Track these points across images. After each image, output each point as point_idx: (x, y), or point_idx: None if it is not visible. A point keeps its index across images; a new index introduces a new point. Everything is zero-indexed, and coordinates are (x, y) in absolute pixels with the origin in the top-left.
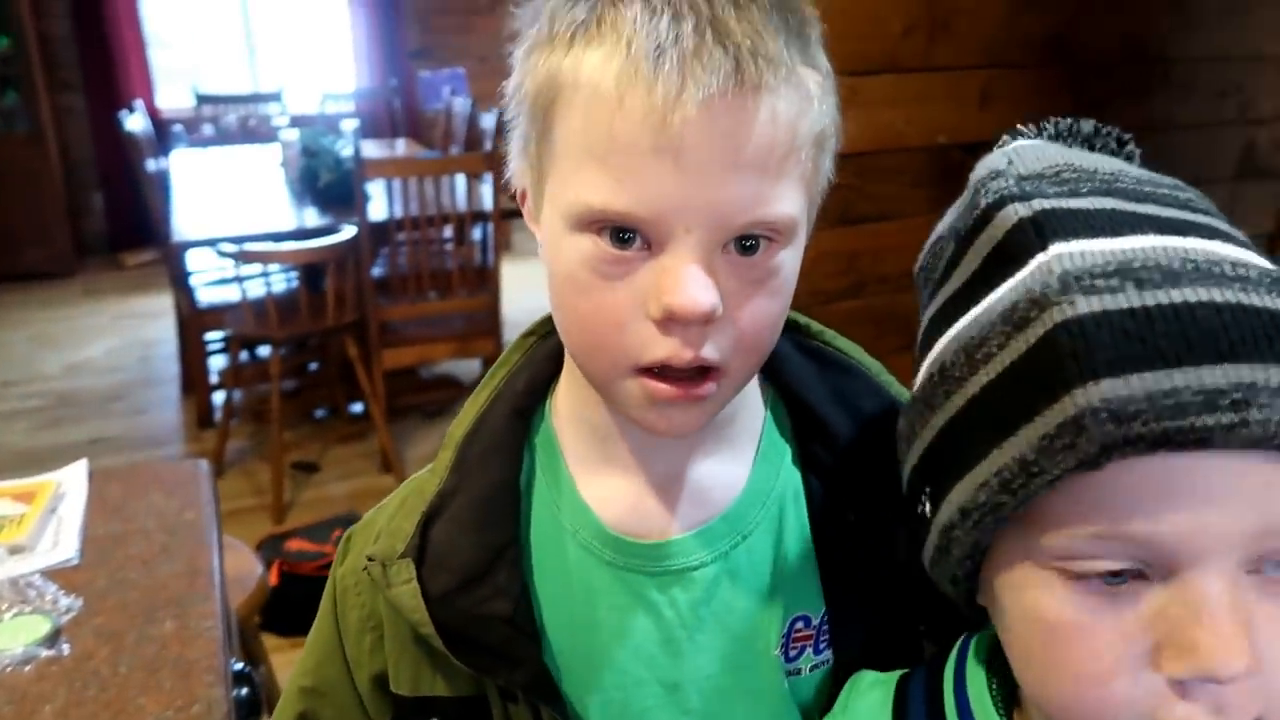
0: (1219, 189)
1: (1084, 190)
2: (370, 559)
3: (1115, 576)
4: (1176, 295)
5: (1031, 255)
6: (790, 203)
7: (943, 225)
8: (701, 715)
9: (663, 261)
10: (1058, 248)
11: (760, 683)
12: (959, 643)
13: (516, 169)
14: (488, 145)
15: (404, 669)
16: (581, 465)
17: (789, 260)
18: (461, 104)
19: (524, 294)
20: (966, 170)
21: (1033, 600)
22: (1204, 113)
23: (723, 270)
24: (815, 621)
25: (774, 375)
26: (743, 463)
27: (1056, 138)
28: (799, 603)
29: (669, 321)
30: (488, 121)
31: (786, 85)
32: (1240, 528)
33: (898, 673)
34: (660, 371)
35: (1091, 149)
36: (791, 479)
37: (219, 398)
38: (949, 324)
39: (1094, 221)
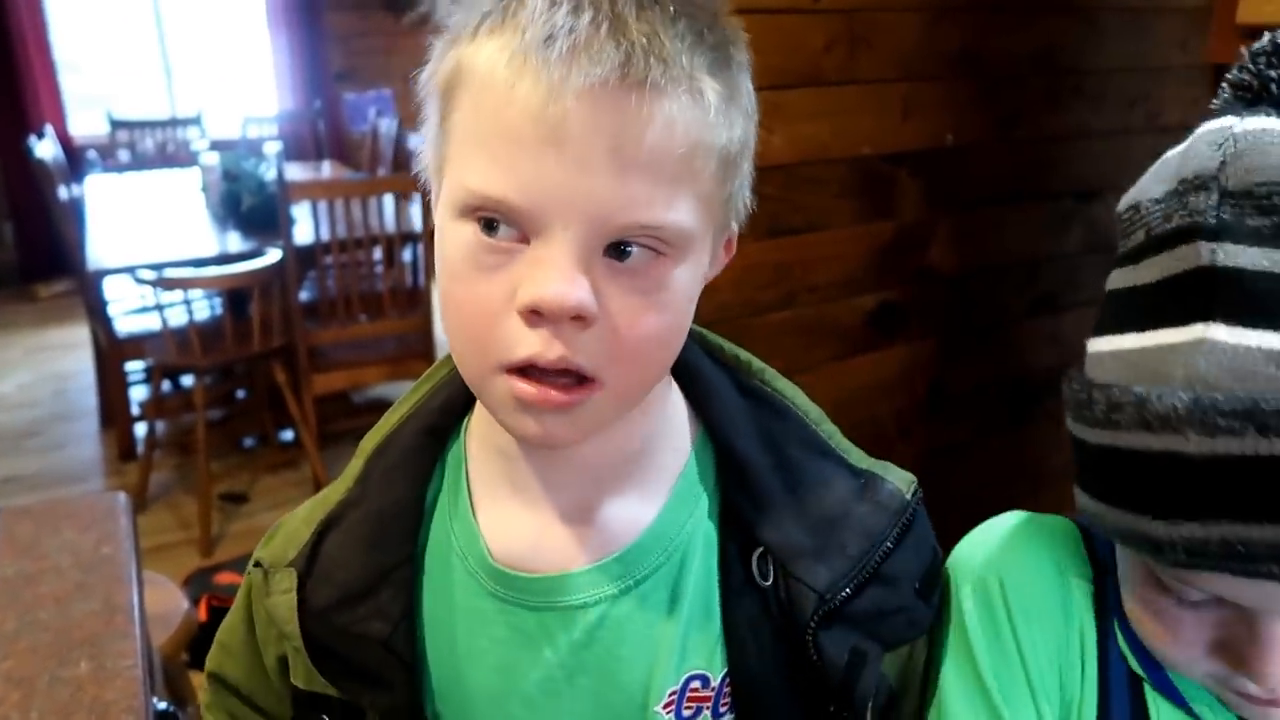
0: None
1: None
2: (257, 564)
3: None
4: None
5: (1193, 320)
6: (681, 214)
7: (1149, 190)
8: None
9: (536, 253)
10: (1217, 330)
11: None
12: None
13: (423, 160)
14: (415, 167)
15: (299, 664)
16: (485, 489)
17: (682, 277)
18: (388, 125)
19: None
20: (891, 180)
21: None
22: (1115, 121)
23: (604, 275)
24: (714, 682)
25: (704, 412)
26: (652, 503)
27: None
28: (694, 660)
29: (534, 315)
30: (415, 142)
31: (682, 91)
32: None
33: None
34: (527, 372)
35: None
36: (704, 528)
37: (141, 430)
38: (1111, 328)
39: (1270, 304)
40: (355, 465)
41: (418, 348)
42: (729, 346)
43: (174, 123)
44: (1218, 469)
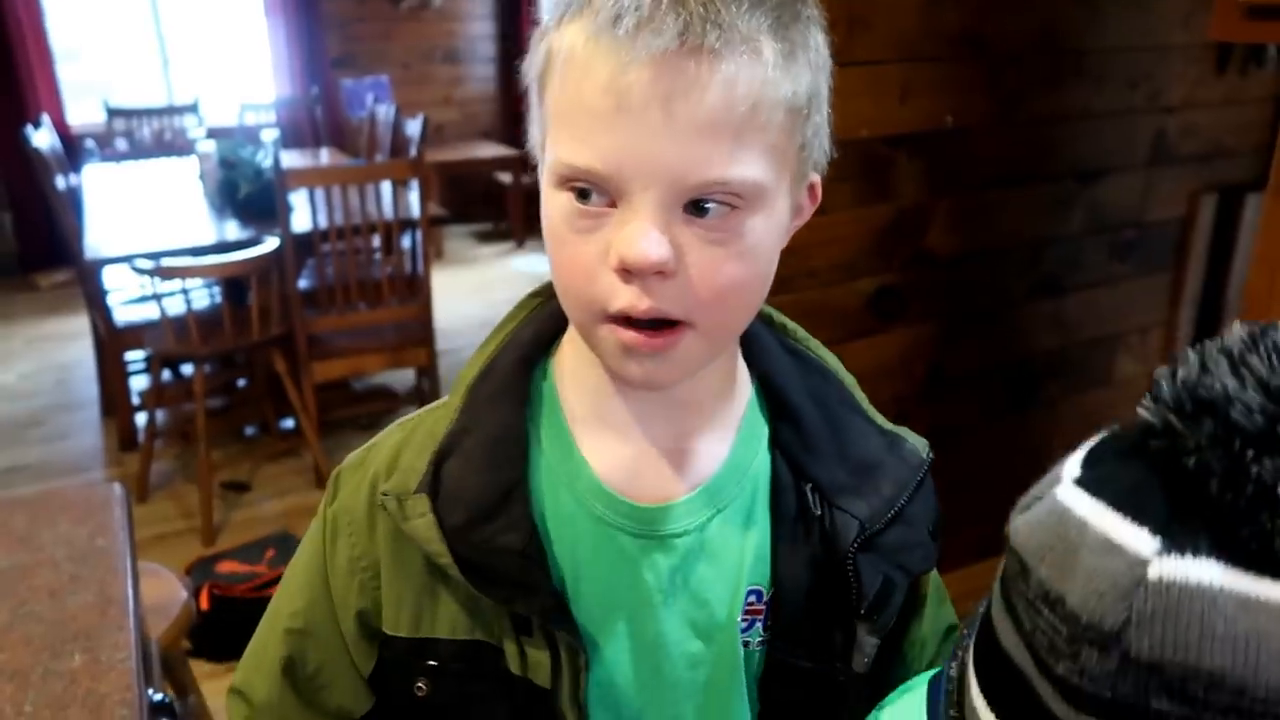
0: (1133, 176)
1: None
2: (385, 494)
3: None
4: None
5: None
6: (750, 168)
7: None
8: (670, 676)
9: (623, 215)
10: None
11: (722, 650)
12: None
13: (531, 139)
14: (413, 152)
15: (405, 609)
16: (579, 422)
17: (759, 226)
18: (385, 111)
19: (457, 301)
20: (890, 163)
21: None
22: (1116, 101)
23: (684, 230)
24: (766, 598)
25: (756, 364)
26: (726, 439)
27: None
28: (754, 576)
29: (625, 272)
30: (413, 128)
31: (740, 52)
32: None
33: (925, 675)
34: (626, 321)
35: None
36: (764, 462)
37: (142, 419)
38: None
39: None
40: (455, 399)
41: (417, 335)
42: (777, 314)
43: (171, 110)
44: None
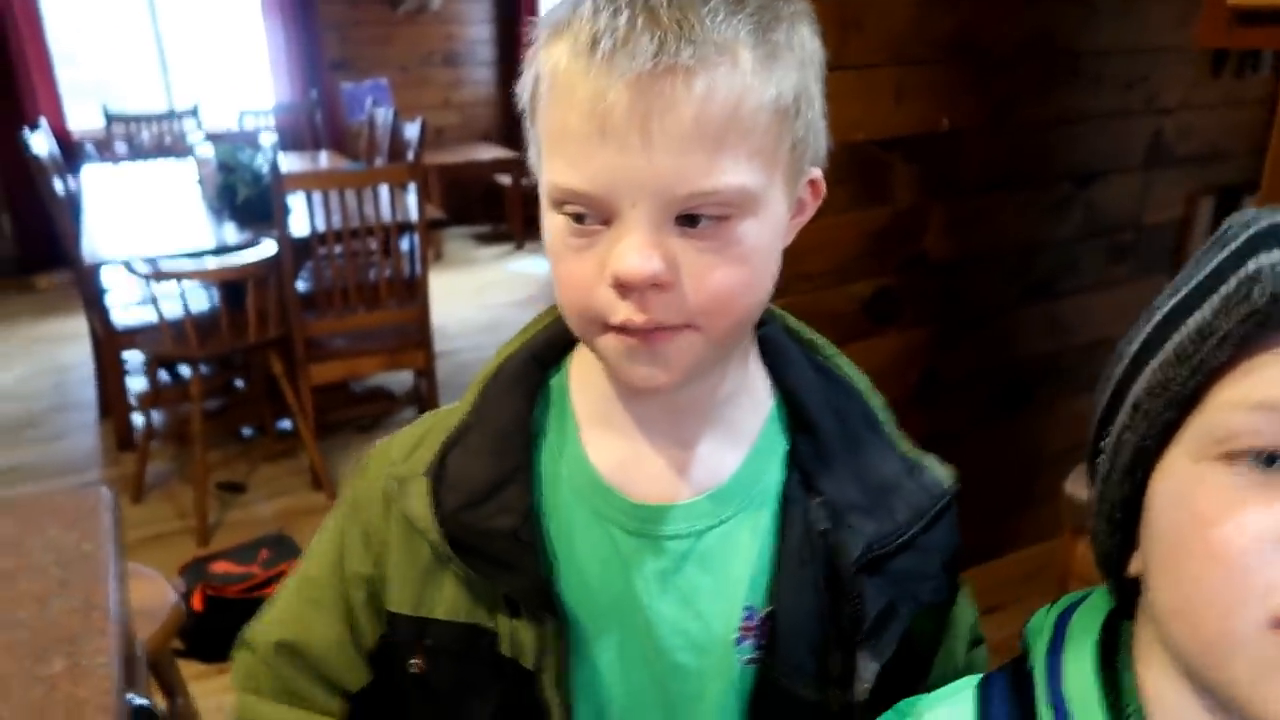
0: (1130, 178)
1: None
2: (391, 477)
3: (1271, 461)
4: None
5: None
6: (736, 175)
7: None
8: (659, 683)
9: (616, 232)
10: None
11: (717, 666)
12: (1049, 636)
13: (530, 156)
14: (410, 155)
15: (408, 589)
16: (587, 421)
17: (753, 230)
18: (384, 114)
19: (457, 303)
20: (885, 166)
21: (1188, 491)
22: (1112, 104)
23: (678, 242)
24: (761, 614)
25: (782, 378)
26: (738, 451)
27: None
28: (753, 593)
29: (620, 287)
30: (411, 131)
31: (715, 63)
32: None
33: (971, 679)
34: (626, 330)
35: None
36: (778, 477)
37: (139, 420)
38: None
39: None
40: (470, 395)
41: (415, 337)
42: (806, 331)
43: (170, 115)
44: None
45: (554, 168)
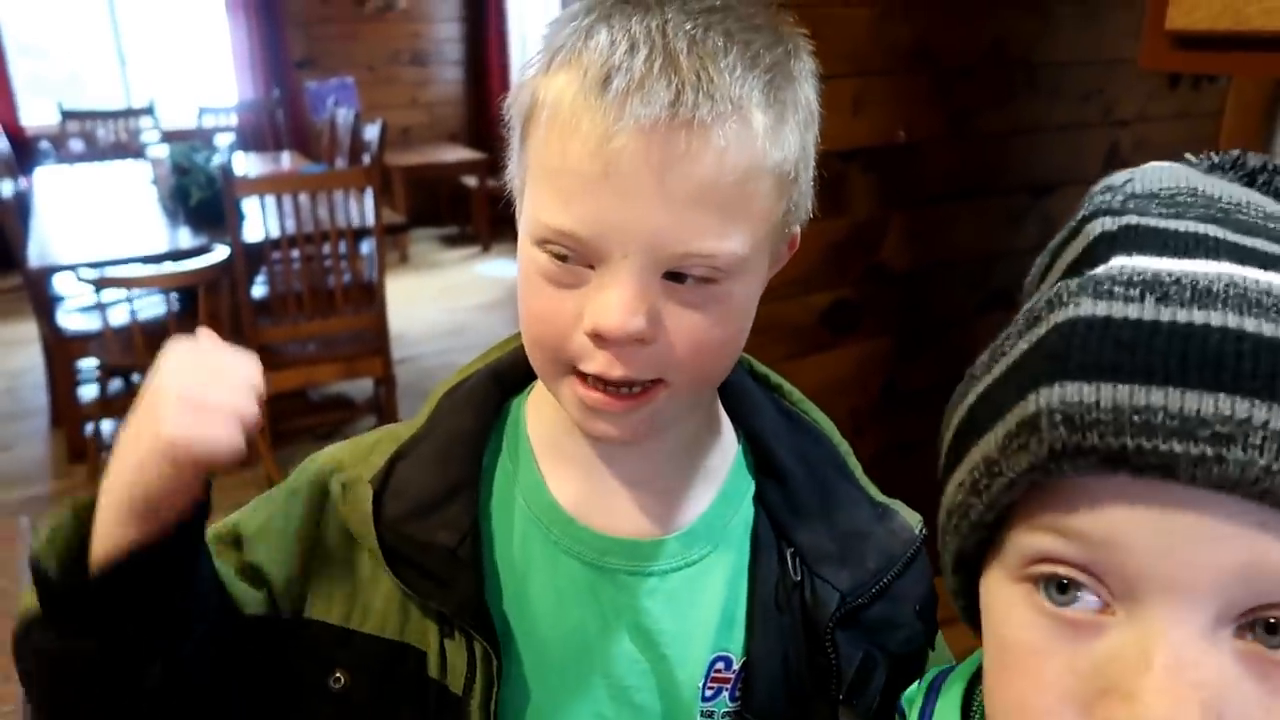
0: (1087, 190)
1: (1190, 214)
2: (338, 480)
3: (1063, 591)
4: (1198, 316)
5: (1095, 267)
6: (735, 241)
7: (1052, 241)
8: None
9: (600, 279)
10: (1119, 260)
11: (679, 711)
12: (920, 703)
13: (509, 177)
14: (366, 159)
15: (337, 598)
16: (543, 451)
17: (738, 290)
18: (345, 115)
19: (421, 306)
20: (843, 177)
21: (1001, 616)
22: (1069, 115)
23: (663, 296)
24: (735, 665)
25: (742, 420)
26: (706, 491)
27: (1217, 169)
28: (726, 641)
29: (599, 339)
30: (371, 132)
31: (730, 122)
32: (1211, 568)
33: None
34: (593, 380)
35: (1251, 184)
36: (746, 524)
37: (93, 429)
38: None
39: (1173, 242)
40: (426, 409)
41: (372, 344)
42: (773, 375)
43: (127, 113)
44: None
45: (542, 203)
